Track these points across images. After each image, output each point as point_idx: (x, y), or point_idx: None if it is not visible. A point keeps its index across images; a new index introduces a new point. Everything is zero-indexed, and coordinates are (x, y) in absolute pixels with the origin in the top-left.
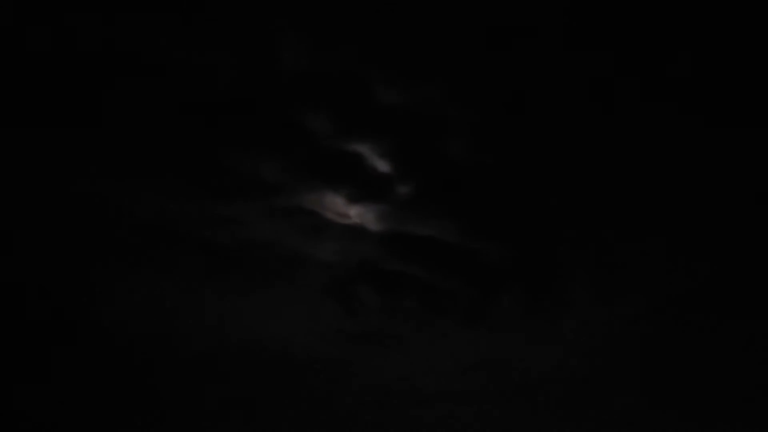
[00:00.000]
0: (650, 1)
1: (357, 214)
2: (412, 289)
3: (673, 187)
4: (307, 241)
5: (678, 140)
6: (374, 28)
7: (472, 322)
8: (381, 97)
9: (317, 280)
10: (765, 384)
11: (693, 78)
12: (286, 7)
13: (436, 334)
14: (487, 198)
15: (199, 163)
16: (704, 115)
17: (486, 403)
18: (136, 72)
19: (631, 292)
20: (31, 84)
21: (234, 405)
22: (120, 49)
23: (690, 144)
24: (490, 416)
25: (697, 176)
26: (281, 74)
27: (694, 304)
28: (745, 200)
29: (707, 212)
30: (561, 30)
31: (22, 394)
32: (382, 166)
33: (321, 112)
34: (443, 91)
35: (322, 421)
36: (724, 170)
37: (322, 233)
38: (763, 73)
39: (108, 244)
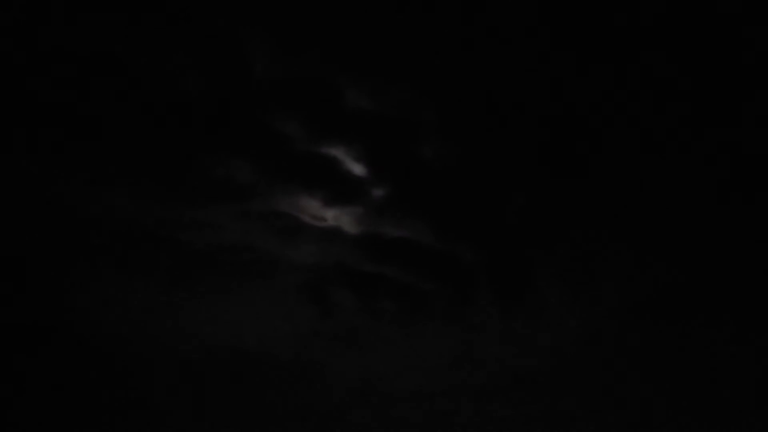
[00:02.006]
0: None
1: (333, 216)
2: (388, 289)
3: (641, 191)
4: (284, 243)
5: (646, 145)
6: (346, 33)
7: (447, 321)
8: (354, 102)
9: (294, 281)
10: (734, 378)
11: (662, 84)
12: (259, 13)
13: (413, 334)
14: (460, 200)
15: (174, 167)
16: (672, 122)
17: (464, 401)
18: (110, 76)
19: (602, 293)
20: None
21: (210, 406)
22: (94, 52)
23: (657, 150)
24: (468, 414)
25: (665, 181)
26: (254, 79)
27: (666, 303)
28: (711, 206)
29: (675, 215)
30: (532, 34)
31: None
32: (357, 169)
33: (294, 117)
34: (416, 95)
35: (301, 422)
36: (692, 177)
37: (298, 236)
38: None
39: (82, 247)
